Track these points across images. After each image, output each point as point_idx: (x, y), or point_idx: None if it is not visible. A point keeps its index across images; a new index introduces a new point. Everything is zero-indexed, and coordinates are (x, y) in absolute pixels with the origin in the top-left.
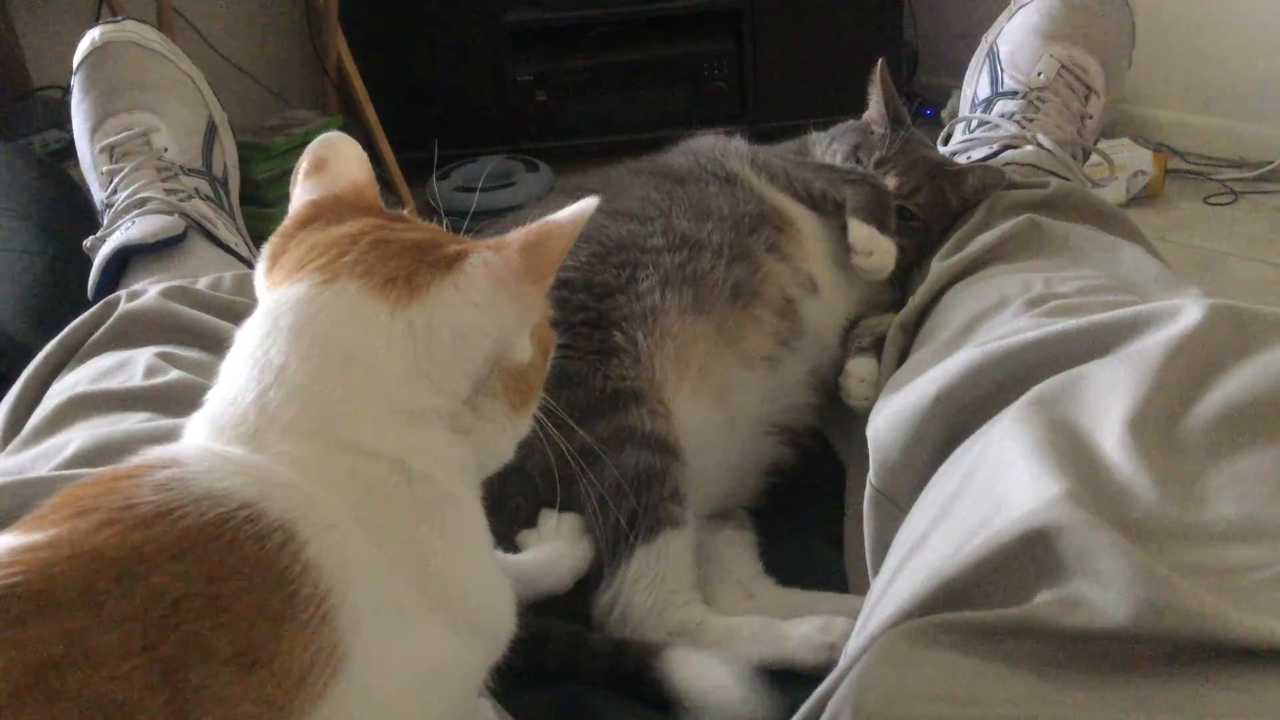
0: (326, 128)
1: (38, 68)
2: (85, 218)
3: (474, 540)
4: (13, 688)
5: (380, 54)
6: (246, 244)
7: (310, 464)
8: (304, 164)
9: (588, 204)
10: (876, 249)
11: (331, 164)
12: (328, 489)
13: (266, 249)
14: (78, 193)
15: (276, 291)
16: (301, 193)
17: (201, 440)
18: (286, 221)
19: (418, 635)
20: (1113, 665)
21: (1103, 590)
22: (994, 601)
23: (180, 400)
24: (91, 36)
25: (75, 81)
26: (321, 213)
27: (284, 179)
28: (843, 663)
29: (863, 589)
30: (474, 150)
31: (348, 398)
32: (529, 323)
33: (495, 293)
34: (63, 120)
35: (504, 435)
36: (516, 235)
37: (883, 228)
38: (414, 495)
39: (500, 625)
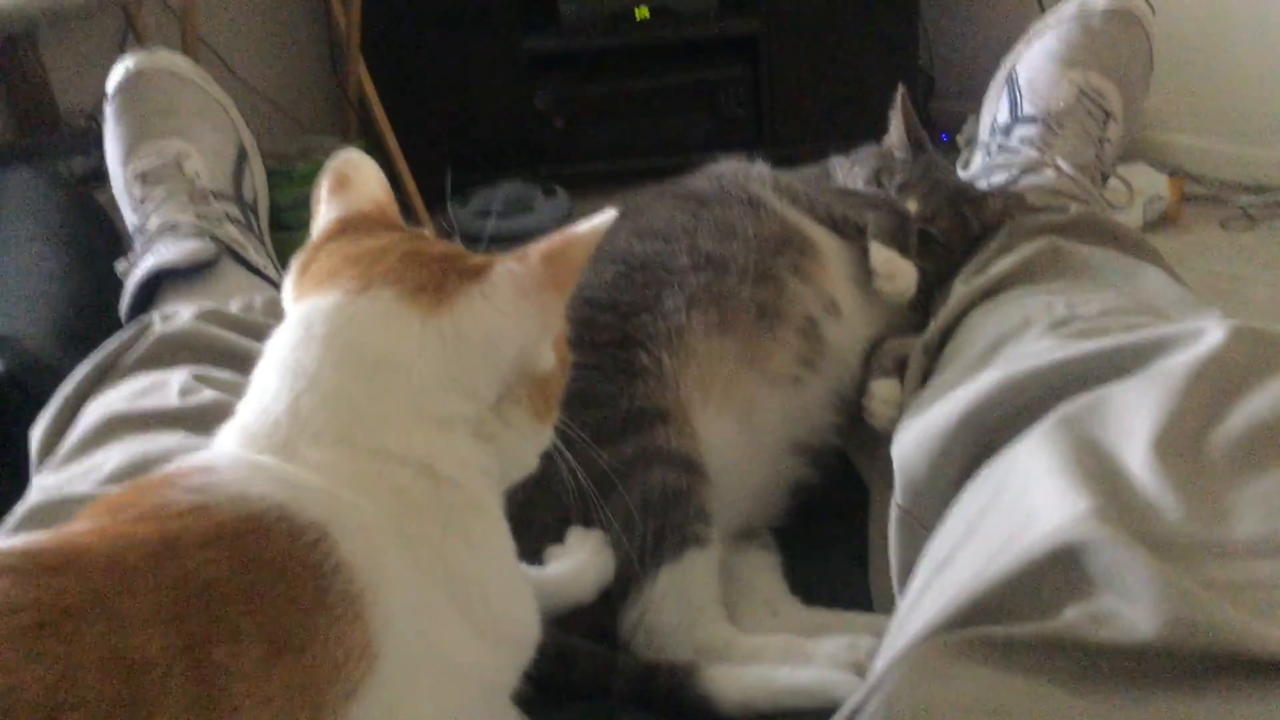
0: None
1: (64, 95)
2: (114, 242)
3: (497, 546)
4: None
5: (401, 80)
6: (276, 267)
7: (341, 470)
8: (326, 181)
9: (607, 216)
10: (898, 272)
11: (354, 181)
12: (358, 494)
13: (295, 261)
14: (106, 217)
15: (307, 301)
16: (327, 209)
17: (233, 449)
18: (315, 235)
19: (446, 638)
20: (1141, 680)
21: (1131, 605)
22: (1023, 617)
23: (215, 420)
24: (125, 64)
25: (109, 109)
26: (349, 227)
27: (306, 204)
28: (871, 679)
29: (888, 608)
30: (493, 175)
31: (379, 403)
32: (551, 331)
33: (519, 300)
34: (88, 146)
35: (527, 443)
36: (538, 246)
37: (904, 251)
38: (441, 500)
39: (524, 631)
